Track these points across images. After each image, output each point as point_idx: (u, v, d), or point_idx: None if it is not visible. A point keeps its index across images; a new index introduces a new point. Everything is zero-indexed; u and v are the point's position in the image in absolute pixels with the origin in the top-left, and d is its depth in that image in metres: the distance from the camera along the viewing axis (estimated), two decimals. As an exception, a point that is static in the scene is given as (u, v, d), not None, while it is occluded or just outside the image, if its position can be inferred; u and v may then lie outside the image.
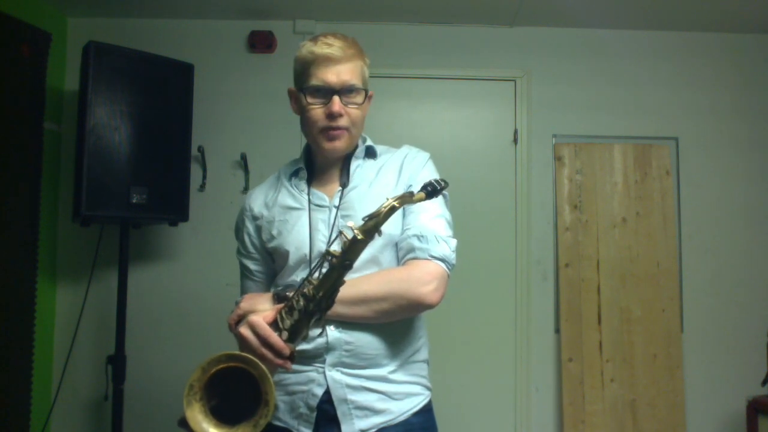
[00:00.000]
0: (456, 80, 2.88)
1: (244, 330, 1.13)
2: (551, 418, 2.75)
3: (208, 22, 2.84)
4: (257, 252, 1.39)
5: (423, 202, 1.25)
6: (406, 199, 1.06)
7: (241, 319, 1.19)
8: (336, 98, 1.26)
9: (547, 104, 2.87)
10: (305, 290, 1.10)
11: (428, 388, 1.33)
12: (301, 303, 1.10)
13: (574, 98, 2.88)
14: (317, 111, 1.27)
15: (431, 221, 1.27)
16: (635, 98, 2.89)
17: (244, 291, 1.42)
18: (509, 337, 2.78)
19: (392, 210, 1.04)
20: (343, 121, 1.27)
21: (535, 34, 2.91)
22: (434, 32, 2.88)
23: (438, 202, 1.31)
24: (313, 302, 1.09)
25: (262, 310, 1.18)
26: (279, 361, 1.10)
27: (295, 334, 1.12)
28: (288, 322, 1.11)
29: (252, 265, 1.41)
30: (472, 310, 2.76)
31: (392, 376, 1.25)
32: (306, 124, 1.31)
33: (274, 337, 1.10)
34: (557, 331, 2.77)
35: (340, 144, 1.30)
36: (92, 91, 2.26)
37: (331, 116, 1.26)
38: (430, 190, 1.09)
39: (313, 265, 1.24)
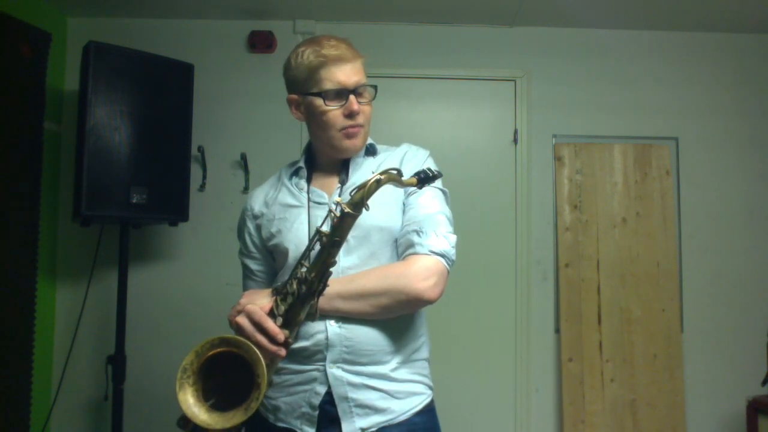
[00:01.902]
0: (456, 80, 2.88)
1: (240, 318, 1.16)
2: (551, 418, 2.75)
3: (208, 22, 2.84)
4: (258, 251, 1.40)
5: (422, 198, 1.28)
6: (393, 176, 1.08)
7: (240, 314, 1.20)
8: (353, 97, 1.28)
9: (547, 104, 2.87)
10: (298, 273, 1.11)
11: (430, 387, 1.33)
12: (294, 286, 1.12)
13: (574, 98, 2.88)
14: (335, 113, 1.28)
15: (431, 217, 1.27)
16: (635, 98, 2.89)
17: (245, 290, 1.42)
18: (509, 337, 2.78)
19: (378, 183, 1.06)
20: (360, 119, 1.30)
21: (535, 34, 2.91)
22: (434, 32, 2.88)
23: (438, 198, 1.32)
24: (306, 284, 1.10)
25: (261, 304, 1.19)
26: (273, 347, 1.11)
27: (290, 319, 1.13)
28: (282, 308, 1.13)
29: (253, 265, 1.41)
30: (472, 310, 2.76)
31: (394, 374, 1.25)
32: (321, 127, 1.31)
33: (268, 322, 1.12)
34: (557, 331, 2.77)
35: (358, 141, 1.32)
36: (92, 91, 2.26)
37: (351, 115, 1.28)
38: (423, 177, 1.11)
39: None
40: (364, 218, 1.14)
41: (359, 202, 1.07)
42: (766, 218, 2.86)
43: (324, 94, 1.27)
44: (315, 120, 1.32)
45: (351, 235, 1.19)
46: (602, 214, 2.81)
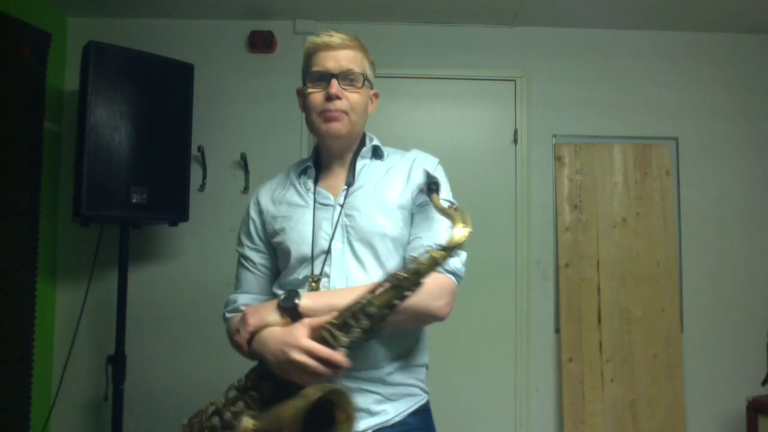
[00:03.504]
0: (456, 80, 2.88)
1: (299, 356, 1.09)
2: (551, 418, 2.75)
3: (208, 22, 2.84)
4: (263, 244, 1.39)
5: (435, 212, 1.27)
6: (449, 250, 1.12)
7: (253, 336, 1.18)
8: (334, 81, 1.29)
9: (547, 104, 2.87)
10: (368, 310, 1.10)
11: (426, 391, 1.33)
12: (364, 323, 1.10)
13: (574, 98, 2.88)
14: (316, 95, 1.30)
15: (444, 233, 1.24)
16: (635, 98, 2.89)
17: (241, 284, 1.41)
18: (509, 337, 2.78)
19: (436, 263, 1.12)
20: (341, 104, 1.29)
21: (535, 34, 2.91)
22: (434, 32, 2.88)
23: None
24: (372, 320, 1.10)
25: (272, 322, 1.17)
26: (334, 373, 1.09)
27: (351, 349, 1.11)
28: (345, 340, 1.10)
29: (256, 257, 1.39)
30: (472, 310, 2.75)
31: (389, 379, 1.25)
32: (307, 111, 1.33)
33: (336, 356, 1.08)
34: (557, 331, 2.77)
35: (337, 126, 1.30)
36: (92, 91, 2.26)
37: (329, 98, 1.29)
38: (434, 188, 1.15)
39: (316, 261, 1.25)
40: (371, 225, 1.14)
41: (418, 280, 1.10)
42: (766, 218, 2.86)
43: (308, 76, 1.31)
44: (305, 106, 1.34)
45: (357, 243, 1.22)
46: (602, 214, 2.81)
